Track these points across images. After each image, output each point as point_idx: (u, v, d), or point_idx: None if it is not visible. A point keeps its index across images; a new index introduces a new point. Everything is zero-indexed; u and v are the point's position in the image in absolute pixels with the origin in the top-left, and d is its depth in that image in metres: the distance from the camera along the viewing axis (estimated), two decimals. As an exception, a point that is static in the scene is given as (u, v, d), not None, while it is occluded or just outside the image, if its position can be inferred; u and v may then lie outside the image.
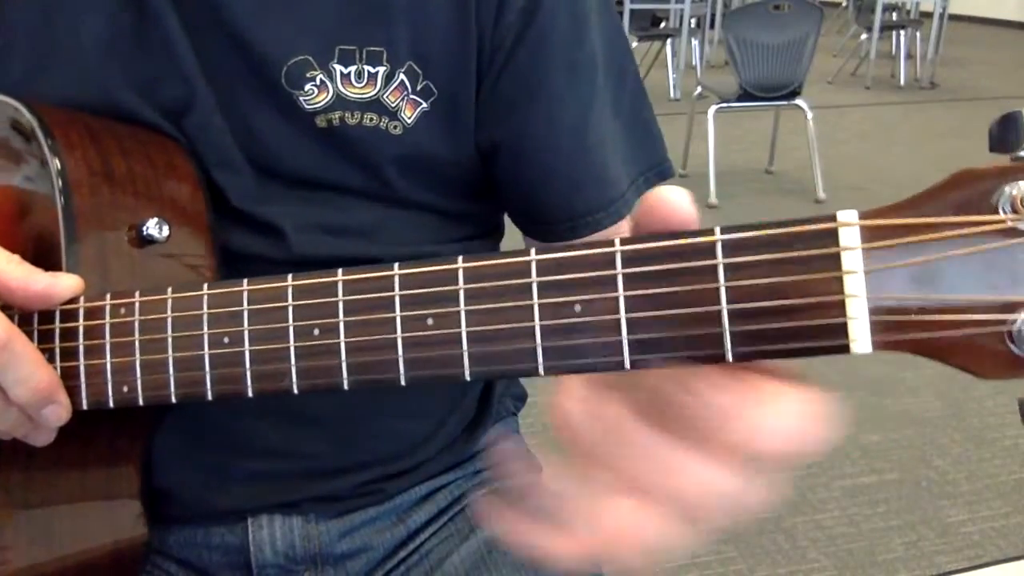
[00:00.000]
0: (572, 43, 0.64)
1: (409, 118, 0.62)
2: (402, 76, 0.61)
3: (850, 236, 0.33)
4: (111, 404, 0.50)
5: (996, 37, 10.62)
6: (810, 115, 4.20)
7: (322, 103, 0.60)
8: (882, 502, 2.11)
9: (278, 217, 0.63)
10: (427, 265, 0.40)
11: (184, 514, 0.69)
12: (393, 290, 0.41)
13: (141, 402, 0.49)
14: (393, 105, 0.61)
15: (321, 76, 0.60)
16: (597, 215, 0.67)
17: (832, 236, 0.33)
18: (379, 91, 0.61)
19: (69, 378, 0.51)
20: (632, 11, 6.51)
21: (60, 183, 0.54)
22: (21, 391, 0.49)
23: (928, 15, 7.51)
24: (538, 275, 0.38)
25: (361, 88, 0.60)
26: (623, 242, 0.36)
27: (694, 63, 7.25)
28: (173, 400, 0.48)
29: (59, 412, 0.51)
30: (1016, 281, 0.31)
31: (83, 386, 0.51)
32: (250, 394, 0.45)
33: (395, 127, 0.62)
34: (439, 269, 0.40)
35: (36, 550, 0.57)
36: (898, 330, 0.32)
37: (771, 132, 4.71)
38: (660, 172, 0.71)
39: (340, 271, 0.42)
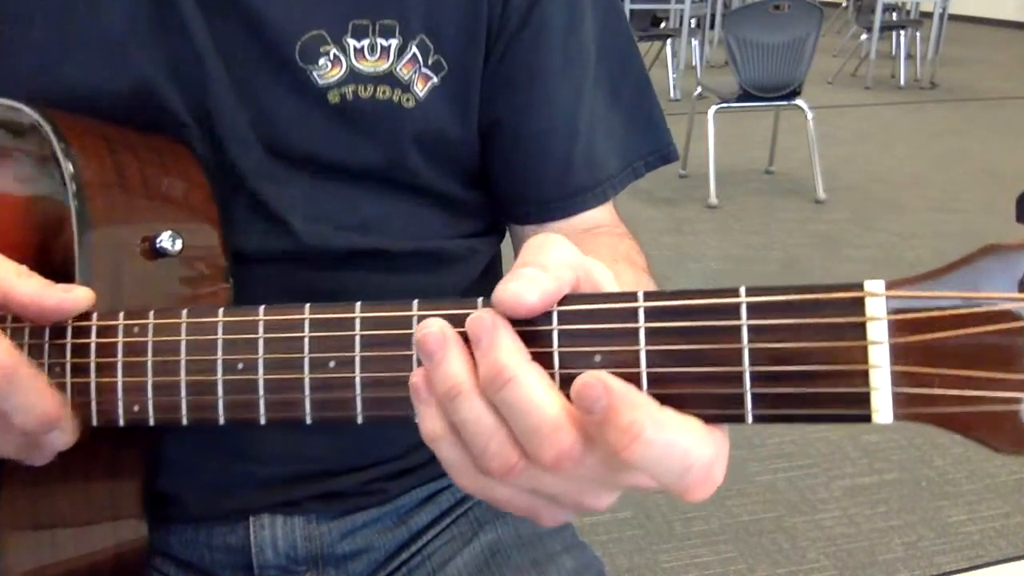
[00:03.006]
0: (568, 29, 0.66)
1: (421, 91, 0.63)
2: (414, 49, 0.62)
3: (876, 306, 0.33)
4: (121, 422, 0.50)
5: (996, 37, 10.62)
6: (810, 115, 4.20)
7: (335, 77, 0.61)
8: (882, 502, 2.11)
9: (287, 208, 0.63)
10: (447, 307, 0.40)
11: (186, 515, 0.69)
12: (411, 327, 0.41)
13: (152, 423, 0.49)
14: (406, 78, 0.62)
15: (335, 51, 0.61)
16: (586, 195, 0.69)
17: (858, 305, 0.33)
18: (392, 64, 0.62)
19: (80, 394, 0.50)
20: (632, 11, 6.51)
21: (74, 189, 0.54)
22: (24, 418, 0.48)
23: (928, 15, 7.51)
24: (559, 323, 0.38)
25: (374, 61, 0.61)
26: (647, 297, 0.37)
27: (694, 63, 7.24)
28: (184, 422, 0.48)
29: (63, 439, 0.50)
30: None
31: (93, 403, 0.50)
32: (263, 422, 0.45)
33: (408, 99, 0.62)
34: (459, 312, 0.39)
35: (41, 556, 0.57)
36: (919, 403, 0.33)
37: (771, 132, 4.71)
38: (662, 156, 0.73)
39: (358, 305, 0.42)
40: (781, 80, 4.09)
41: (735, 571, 1.89)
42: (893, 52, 7.57)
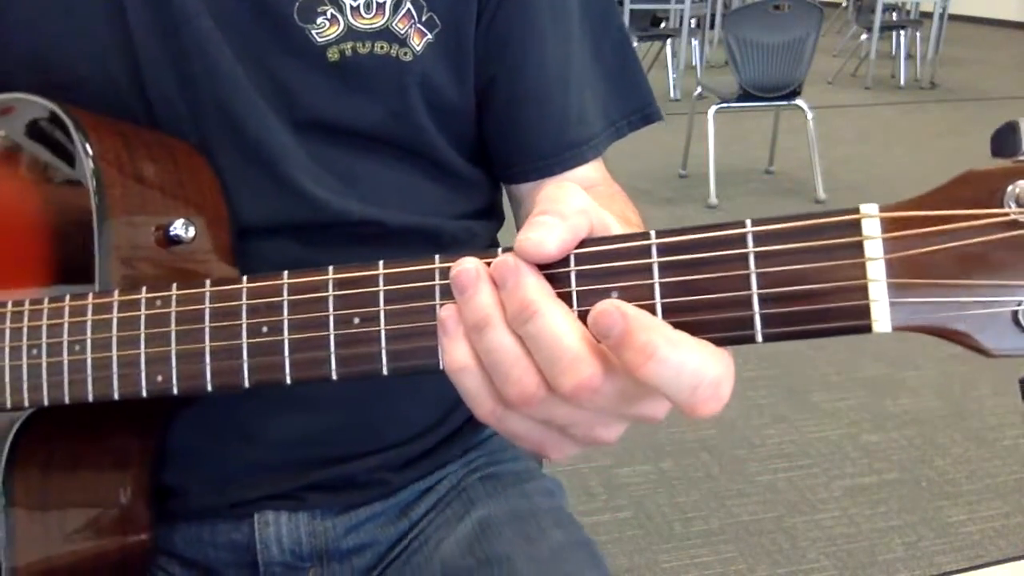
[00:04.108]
0: None
1: (418, 45, 0.64)
2: (408, 5, 0.63)
3: (872, 226, 0.36)
4: (144, 394, 0.50)
5: (996, 37, 10.62)
6: (810, 115, 4.20)
7: (333, 35, 0.62)
8: (882, 502, 2.12)
9: (293, 172, 0.63)
10: (467, 255, 0.42)
11: (192, 509, 0.69)
12: (434, 280, 0.43)
13: (176, 392, 0.49)
14: (402, 32, 0.63)
15: (332, 10, 0.62)
16: (581, 149, 0.70)
17: (855, 226, 0.36)
18: (388, 20, 0.63)
19: (100, 368, 0.51)
20: (632, 11, 6.51)
21: (94, 182, 0.56)
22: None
23: (928, 15, 7.51)
24: (576, 264, 0.40)
25: (371, 19, 0.62)
26: (659, 234, 0.39)
27: (694, 63, 7.24)
28: (209, 389, 0.48)
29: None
30: (1021, 267, 0.35)
31: (115, 376, 0.51)
32: (288, 382, 0.46)
33: (405, 53, 0.64)
34: (483, 262, 0.41)
35: (50, 543, 0.58)
36: (915, 312, 0.36)
37: (771, 132, 4.71)
38: (645, 116, 0.74)
39: (381, 263, 0.44)
40: (781, 80, 4.09)
41: (735, 571, 1.89)
42: (893, 52, 7.56)
